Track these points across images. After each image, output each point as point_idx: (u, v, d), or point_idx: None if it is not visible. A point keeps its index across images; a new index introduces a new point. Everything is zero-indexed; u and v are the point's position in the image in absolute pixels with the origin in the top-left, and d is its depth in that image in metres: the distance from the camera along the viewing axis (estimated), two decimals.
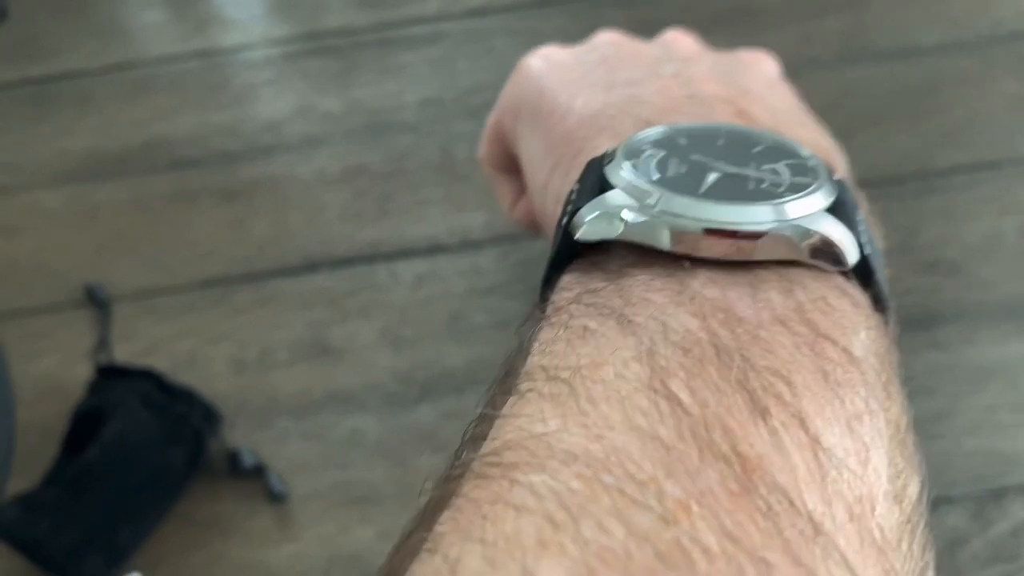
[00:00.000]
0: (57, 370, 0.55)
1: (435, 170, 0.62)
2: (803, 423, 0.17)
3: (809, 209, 0.20)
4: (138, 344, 0.56)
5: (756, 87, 0.28)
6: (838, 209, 0.21)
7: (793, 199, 0.20)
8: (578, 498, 0.15)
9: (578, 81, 0.30)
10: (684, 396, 0.17)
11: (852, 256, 0.21)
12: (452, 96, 0.66)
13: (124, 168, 0.65)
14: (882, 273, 0.22)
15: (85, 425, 0.49)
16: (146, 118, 0.68)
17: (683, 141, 0.23)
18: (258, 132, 0.66)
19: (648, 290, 0.20)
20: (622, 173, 0.22)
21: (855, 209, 0.22)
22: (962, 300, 0.54)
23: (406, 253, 0.58)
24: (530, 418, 0.17)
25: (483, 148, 0.38)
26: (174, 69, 0.71)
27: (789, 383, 0.17)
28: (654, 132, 0.24)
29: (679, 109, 0.26)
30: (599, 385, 0.17)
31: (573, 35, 0.36)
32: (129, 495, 0.47)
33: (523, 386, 0.18)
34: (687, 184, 0.21)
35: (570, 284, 0.21)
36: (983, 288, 0.55)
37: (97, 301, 0.57)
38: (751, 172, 0.22)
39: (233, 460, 0.50)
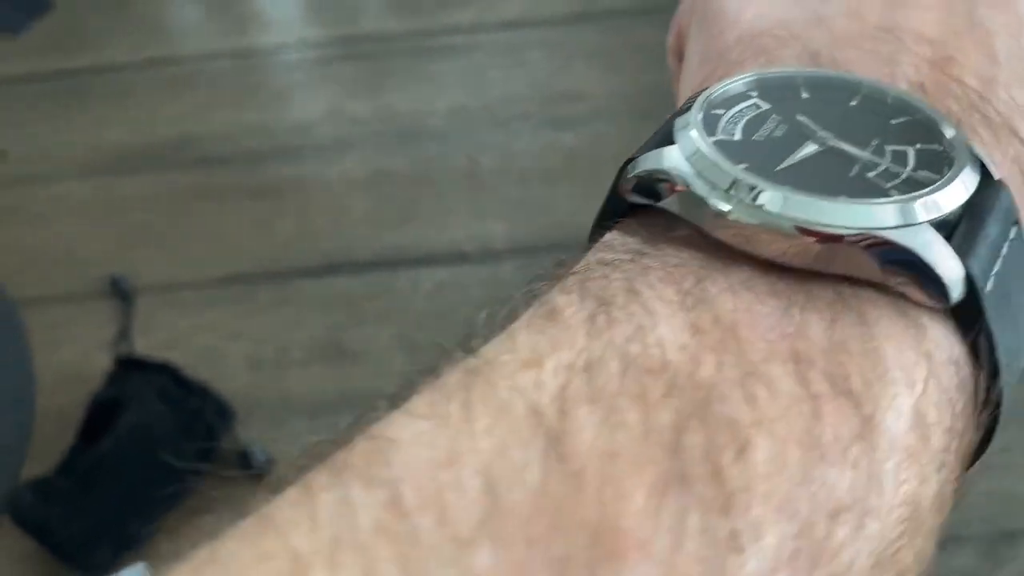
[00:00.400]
0: (78, 359, 0.55)
1: (460, 179, 0.63)
2: (727, 511, 0.13)
3: (907, 217, 0.16)
4: (158, 337, 0.56)
5: (999, 23, 0.22)
6: (966, 222, 0.16)
7: (887, 201, 0.16)
8: (356, 539, 0.12)
9: None
10: (579, 438, 0.13)
11: (954, 289, 0.16)
12: (481, 106, 0.67)
13: (155, 163, 0.66)
14: (1005, 323, 0.16)
15: (102, 414, 0.49)
16: (180, 114, 0.69)
17: (804, 94, 0.19)
18: (288, 133, 0.67)
19: (663, 279, 0.16)
20: (688, 130, 0.18)
21: (999, 225, 0.17)
22: None
23: (427, 260, 0.59)
24: (409, 414, 0.14)
25: (669, 37, 0.32)
26: (211, 67, 0.72)
27: (744, 449, 0.13)
28: (764, 76, 0.19)
29: (857, 43, 0.21)
30: (498, 393, 0.14)
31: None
32: (140, 488, 0.48)
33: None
34: (766, 155, 0.17)
35: (601, 247, 0.18)
36: None
37: (121, 292, 0.58)
38: (865, 153, 0.17)
39: (244, 457, 0.50)
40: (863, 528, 0.14)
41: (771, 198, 0.16)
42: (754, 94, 0.19)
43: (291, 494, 0.13)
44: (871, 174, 0.17)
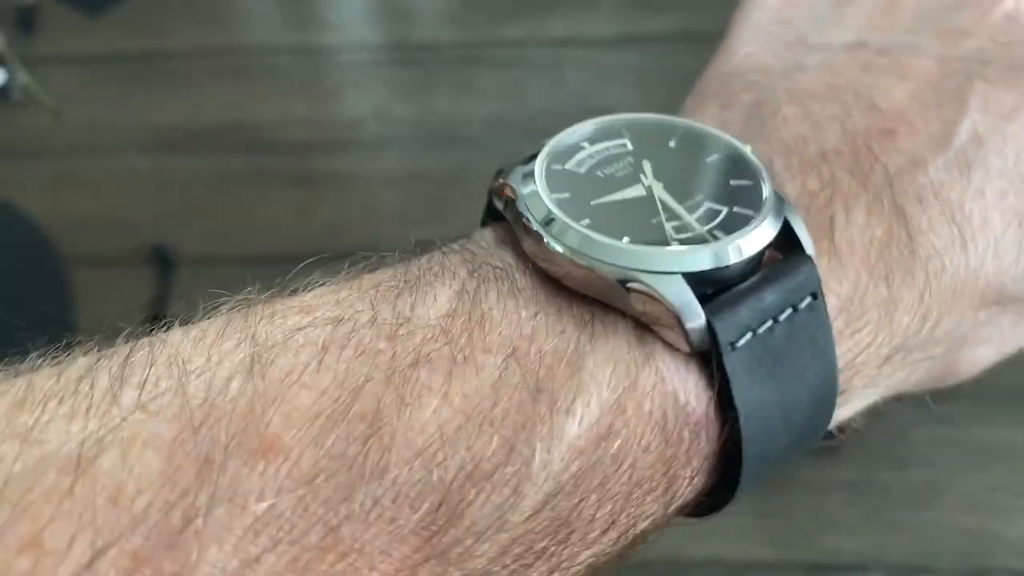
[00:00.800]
0: (115, 318, 0.59)
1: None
2: (365, 443, 0.15)
3: (667, 266, 0.17)
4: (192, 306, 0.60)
5: (989, 101, 0.20)
6: (751, 282, 0.18)
7: (659, 250, 0.17)
8: (78, 391, 0.15)
9: (779, 22, 0.23)
10: (277, 367, 0.15)
11: (694, 335, 0.17)
12: (518, 117, 0.69)
13: (206, 144, 0.70)
14: (761, 379, 0.17)
15: None
16: (235, 101, 0.73)
17: (672, 143, 0.20)
18: (335, 128, 0.70)
19: (465, 275, 0.18)
20: (540, 153, 0.19)
21: (782, 294, 0.18)
22: (979, 378, 0.55)
23: None
24: (188, 326, 0.17)
25: None
26: (270, 60, 0.76)
27: (410, 404, 0.15)
28: (643, 120, 0.20)
29: (804, 100, 0.21)
30: (253, 325, 0.16)
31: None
32: None
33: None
34: (591, 190, 0.19)
35: (463, 241, 0.20)
36: (1002, 369, 0.55)
37: (163, 259, 0.62)
38: (679, 206, 0.19)
39: None
40: (494, 494, 0.15)
41: (556, 224, 0.18)
42: (626, 133, 0.20)
43: (69, 360, 0.16)
44: (669, 224, 0.18)
